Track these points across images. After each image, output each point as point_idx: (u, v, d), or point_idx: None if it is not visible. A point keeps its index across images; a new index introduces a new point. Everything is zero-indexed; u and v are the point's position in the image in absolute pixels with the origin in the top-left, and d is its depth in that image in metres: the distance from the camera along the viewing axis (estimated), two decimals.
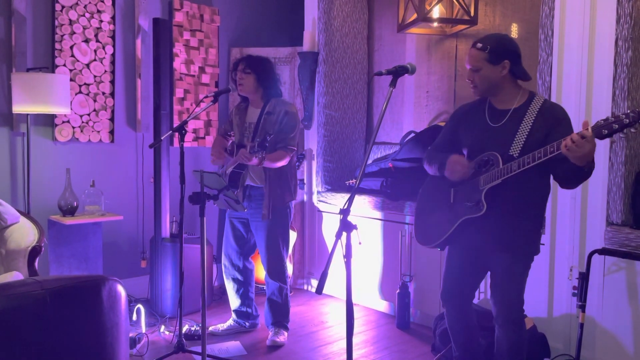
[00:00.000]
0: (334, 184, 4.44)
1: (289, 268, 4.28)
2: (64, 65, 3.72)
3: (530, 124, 2.23)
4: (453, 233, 2.39)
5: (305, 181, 4.51)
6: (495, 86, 2.30)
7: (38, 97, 3.25)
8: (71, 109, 3.71)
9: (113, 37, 3.94)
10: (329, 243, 4.35)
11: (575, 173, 2.12)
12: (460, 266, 2.48)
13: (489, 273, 2.46)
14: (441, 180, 2.51)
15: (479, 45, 2.28)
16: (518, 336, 2.37)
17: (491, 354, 2.59)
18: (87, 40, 3.81)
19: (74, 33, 3.75)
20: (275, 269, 3.33)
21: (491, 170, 2.24)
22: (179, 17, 4.26)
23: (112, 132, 3.97)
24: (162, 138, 3.17)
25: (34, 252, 2.89)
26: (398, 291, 3.66)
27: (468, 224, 2.35)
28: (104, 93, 3.92)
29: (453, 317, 2.55)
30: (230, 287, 3.47)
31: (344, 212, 1.82)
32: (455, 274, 2.50)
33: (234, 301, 3.49)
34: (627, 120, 1.89)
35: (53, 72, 3.66)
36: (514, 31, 3.67)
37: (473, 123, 2.41)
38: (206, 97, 3.17)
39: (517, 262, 2.33)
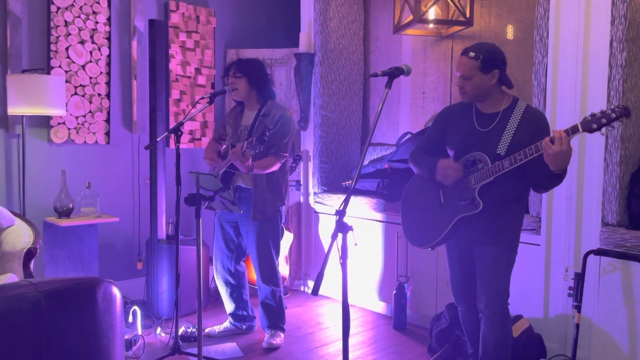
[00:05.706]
0: (330, 185, 4.44)
1: (286, 269, 4.28)
2: (60, 66, 3.71)
3: (516, 126, 2.32)
4: (449, 231, 2.45)
5: (301, 182, 4.51)
6: (484, 93, 2.37)
7: (33, 98, 3.24)
8: (67, 110, 3.70)
9: (109, 39, 3.93)
10: (325, 244, 4.35)
11: (546, 178, 2.23)
12: (462, 267, 2.54)
13: None
14: (426, 182, 2.57)
15: (472, 54, 2.31)
16: (504, 328, 2.42)
17: None
18: (82, 42, 3.81)
19: (70, 34, 3.74)
20: (267, 274, 3.32)
21: (481, 169, 2.32)
22: (174, 18, 4.25)
23: (107, 134, 3.96)
24: (157, 139, 3.16)
25: (29, 254, 2.88)
26: (394, 292, 3.66)
27: (462, 222, 2.42)
28: (99, 94, 3.91)
29: (467, 315, 2.62)
30: (223, 291, 3.46)
31: (340, 213, 1.83)
32: (461, 275, 2.56)
33: (229, 305, 3.48)
34: (614, 115, 2.01)
35: (48, 73, 3.65)
36: (509, 32, 3.68)
37: (460, 126, 2.46)
38: (202, 98, 3.17)
39: (502, 253, 2.39)
